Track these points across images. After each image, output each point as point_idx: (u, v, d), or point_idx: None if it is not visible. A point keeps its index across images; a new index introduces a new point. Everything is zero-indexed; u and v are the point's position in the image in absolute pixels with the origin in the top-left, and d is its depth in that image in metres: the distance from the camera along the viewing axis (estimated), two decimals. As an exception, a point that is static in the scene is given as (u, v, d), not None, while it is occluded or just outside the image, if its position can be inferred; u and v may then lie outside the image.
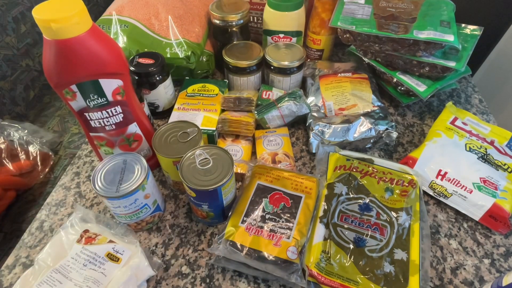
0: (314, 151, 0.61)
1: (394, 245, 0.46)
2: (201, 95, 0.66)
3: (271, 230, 0.46)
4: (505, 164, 0.55)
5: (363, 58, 0.72)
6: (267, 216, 0.47)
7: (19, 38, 1.06)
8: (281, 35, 0.72)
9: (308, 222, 0.48)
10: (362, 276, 0.43)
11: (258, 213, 0.48)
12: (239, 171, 0.56)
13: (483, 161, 0.55)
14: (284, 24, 0.71)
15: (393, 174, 0.54)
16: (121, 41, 0.69)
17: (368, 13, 0.68)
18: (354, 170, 0.54)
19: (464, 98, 0.75)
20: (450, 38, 0.61)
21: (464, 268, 0.48)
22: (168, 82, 0.66)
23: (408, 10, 0.67)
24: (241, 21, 0.71)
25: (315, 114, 0.64)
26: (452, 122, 0.62)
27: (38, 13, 0.37)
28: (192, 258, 0.49)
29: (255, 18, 0.79)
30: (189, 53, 0.69)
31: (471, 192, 0.51)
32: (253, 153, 0.62)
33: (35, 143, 0.91)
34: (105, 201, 0.45)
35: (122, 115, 0.49)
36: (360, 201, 0.51)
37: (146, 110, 0.63)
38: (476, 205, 0.51)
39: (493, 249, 0.50)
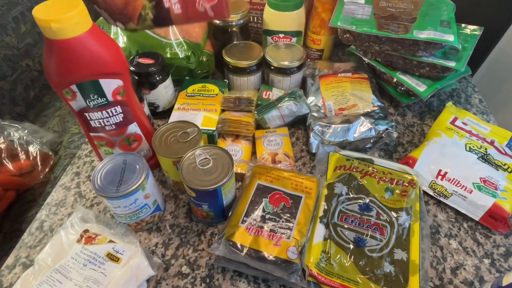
0: (314, 151, 0.61)
1: (394, 245, 0.46)
2: (201, 95, 0.66)
3: (271, 230, 0.46)
4: (505, 164, 0.55)
5: (363, 58, 0.72)
6: (267, 216, 0.47)
7: (19, 38, 1.06)
8: (281, 35, 0.72)
9: (308, 222, 0.48)
10: (362, 276, 0.43)
11: (258, 213, 0.48)
12: (239, 171, 0.56)
13: (483, 161, 0.55)
14: (284, 24, 0.71)
15: (393, 174, 0.54)
16: (121, 41, 0.69)
17: (368, 13, 0.68)
18: (354, 170, 0.55)
19: (464, 98, 0.75)
20: (450, 38, 0.61)
21: (464, 268, 0.48)
22: (168, 82, 0.66)
23: (408, 10, 0.67)
24: (241, 21, 0.71)
25: (315, 114, 0.64)
26: (452, 122, 0.62)
27: (38, 13, 0.37)
28: (192, 258, 0.49)
29: (255, 18, 0.79)
30: (189, 53, 0.69)
31: (471, 192, 0.51)
32: (253, 153, 0.62)
33: (35, 143, 0.91)
34: (105, 201, 0.45)
35: (122, 115, 0.49)
36: (360, 201, 0.51)
37: (146, 110, 0.63)
38: (476, 205, 0.51)
39: (493, 249, 0.50)
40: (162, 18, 0.49)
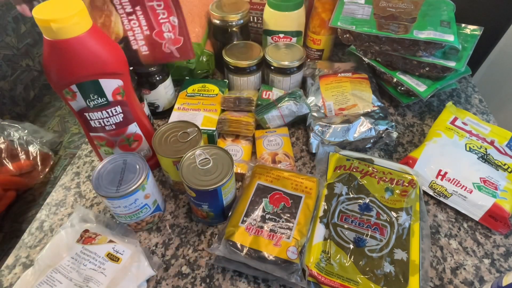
0: (314, 151, 0.61)
1: (394, 245, 0.46)
2: (201, 95, 0.66)
3: (271, 230, 0.46)
4: (505, 164, 0.55)
5: (363, 58, 0.72)
6: (267, 216, 0.47)
7: (19, 38, 1.06)
8: (281, 35, 0.72)
9: (308, 222, 0.48)
10: (362, 276, 0.43)
11: (258, 213, 0.48)
12: (239, 171, 0.56)
13: (483, 161, 0.55)
14: (284, 24, 0.71)
15: (393, 174, 0.54)
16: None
17: (368, 13, 0.68)
18: (354, 170, 0.55)
19: (464, 98, 0.75)
20: (450, 38, 0.61)
21: (464, 268, 0.48)
22: (168, 82, 0.66)
23: (408, 10, 0.67)
24: (241, 21, 0.71)
25: (315, 114, 0.64)
26: (452, 122, 0.62)
27: (38, 13, 0.37)
28: (192, 258, 0.49)
29: (255, 18, 0.79)
30: (189, 53, 0.69)
31: (471, 192, 0.51)
32: (253, 153, 0.62)
33: (35, 143, 0.92)
34: (105, 201, 0.45)
35: (122, 115, 0.49)
36: (360, 201, 0.51)
37: (146, 110, 0.63)
38: (476, 205, 0.51)
39: (493, 249, 0.50)
40: (131, 59, 0.53)
